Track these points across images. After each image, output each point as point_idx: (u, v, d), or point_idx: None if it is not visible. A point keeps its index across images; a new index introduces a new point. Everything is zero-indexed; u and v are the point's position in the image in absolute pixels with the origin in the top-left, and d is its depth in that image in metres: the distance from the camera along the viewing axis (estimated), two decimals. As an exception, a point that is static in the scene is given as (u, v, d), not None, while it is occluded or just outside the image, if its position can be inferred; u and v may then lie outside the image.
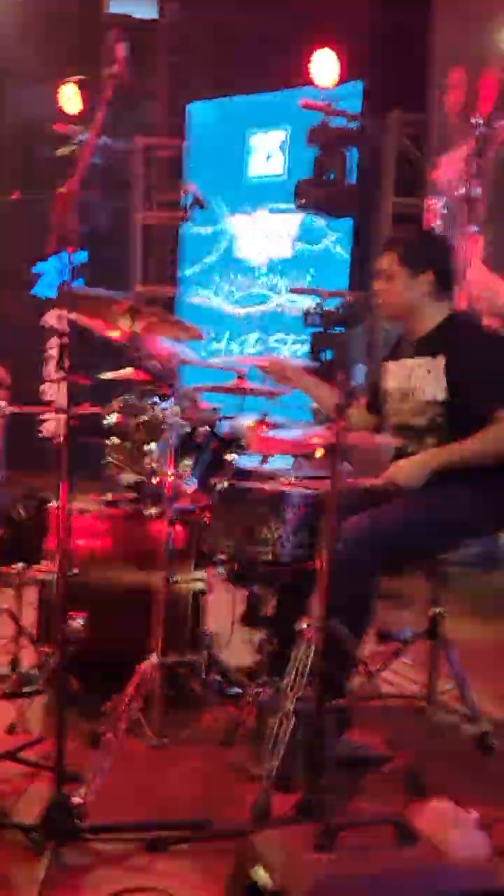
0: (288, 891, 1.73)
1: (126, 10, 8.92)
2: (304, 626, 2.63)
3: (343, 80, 6.21)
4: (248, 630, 3.40)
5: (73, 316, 2.21)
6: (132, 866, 2.22)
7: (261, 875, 1.81)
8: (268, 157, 7.36)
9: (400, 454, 3.13)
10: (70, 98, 6.88)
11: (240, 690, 3.20)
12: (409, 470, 2.96)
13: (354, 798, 2.60)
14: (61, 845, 2.17)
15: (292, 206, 6.65)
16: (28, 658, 3.33)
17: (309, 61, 6.22)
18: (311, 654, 2.57)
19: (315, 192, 6.23)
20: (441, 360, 3.01)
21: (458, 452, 2.95)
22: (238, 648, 3.47)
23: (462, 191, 5.71)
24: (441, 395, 3.00)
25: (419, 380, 3.07)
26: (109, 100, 2.41)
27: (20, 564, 3.37)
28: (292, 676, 2.62)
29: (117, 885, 2.09)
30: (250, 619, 3.15)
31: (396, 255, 3.10)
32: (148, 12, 8.49)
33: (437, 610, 3.21)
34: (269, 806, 2.45)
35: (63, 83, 6.90)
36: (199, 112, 7.87)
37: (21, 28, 8.31)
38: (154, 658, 2.87)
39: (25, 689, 3.18)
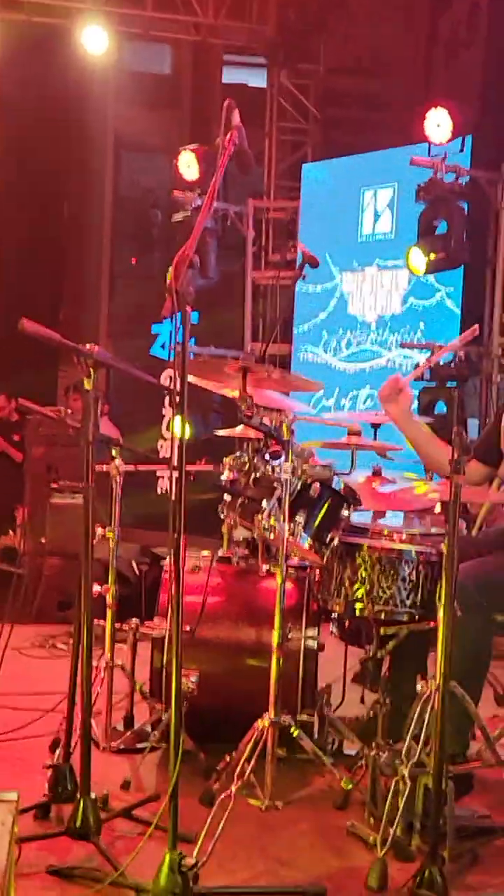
0: None
1: (240, 79, 9.25)
2: (422, 686, 2.57)
3: (452, 136, 6.24)
4: (361, 689, 3.34)
5: (191, 378, 2.24)
6: (245, 932, 2.18)
7: None
8: (377, 215, 7.41)
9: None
10: (188, 165, 7.12)
11: (354, 752, 3.14)
12: None
13: (476, 870, 2.49)
14: (175, 907, 2.14)
15: (401, 261, 6.66)
16: (141, 714, 3.35)
17: (417, 118, 6.28)
18: (429, 715, 2.50)
19: (429, 255, 6.18)
20: None
21: None
22: (352, 707, 3.41)
23: None
24: None
25: None
26: (224, 166, 2.47)
27: (134, 621, 3.41)
28: (409, 739, 2.56)
29: None
30: (365, 678, 3.10)
31: None
32: (260, 80, 8.77)
33: None
34: (387, 875, 2.37)
35: (182, 151, 7.15)
36: (312, 173, 8.00)
37: (139, 100, 8.70)
38: (267, 717, 2.84)
39: (139, 746, 3.20)
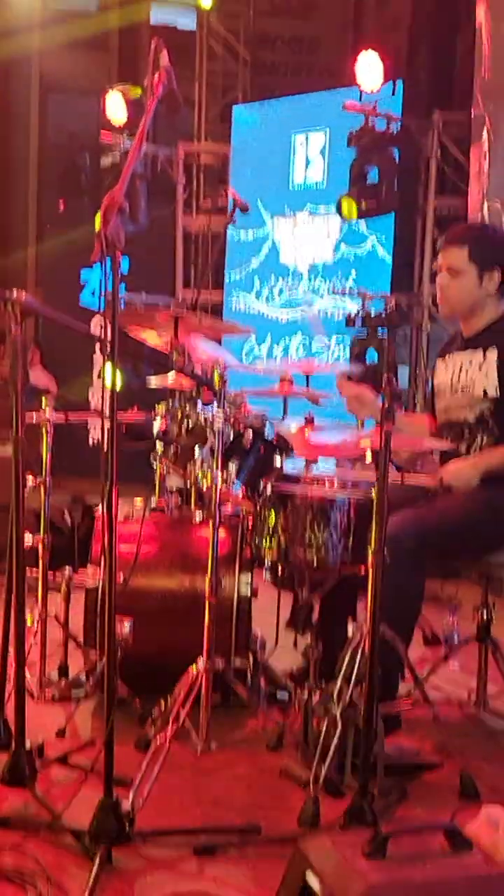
0: (338, 898, 1.72)
1: (168, 20, 9.01)
2: (353, 629, 2.62)
3: (383, 81, 6.19)
4: (294, 634, 3.40)
5: (121, 326, 2.21)
6: (182, 871, 2.22)
7: (312, 882, 1.80)
8: (308, 161, 7.35)
9: (449, 456, 3.10)
10: (115, 107, 6.94)
11: (287, 695, 3.20)
12: (461, 472, 2.94)
13: (405, 804, 2.57)
14: (111, 850, 2.17)
15: (333, 207, 6.63)
16: (76, 663, 3.36)
17: (349, 63, 6.22)
18: (359, 658, 2.56)
19: (361, 201, 6.17)
20: (493, 355, 2.98)
21: None
22: (284, 652, 3.47)
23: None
24: (492, 390, 2.97)
25: (470, 374, 3.04)
26: (153, 108, 2.42)
27: (67, 570, 3.40)
28: (340, 681, 2.61)
29: (167, 890, 2.09)
30: (297, 623, 3.15)
31: (467, 250, 3.01)
32: (189, 22, 8.56)
33: (486, 613, 3.18)
34: (319, 812, 2.44)
35: (108, 92, 6.96)
36: (243, 115, 7.87)
37: (64, 40, 8.42)
38: (201, 663, 2.87)
39: (74, 694, 3.21)
